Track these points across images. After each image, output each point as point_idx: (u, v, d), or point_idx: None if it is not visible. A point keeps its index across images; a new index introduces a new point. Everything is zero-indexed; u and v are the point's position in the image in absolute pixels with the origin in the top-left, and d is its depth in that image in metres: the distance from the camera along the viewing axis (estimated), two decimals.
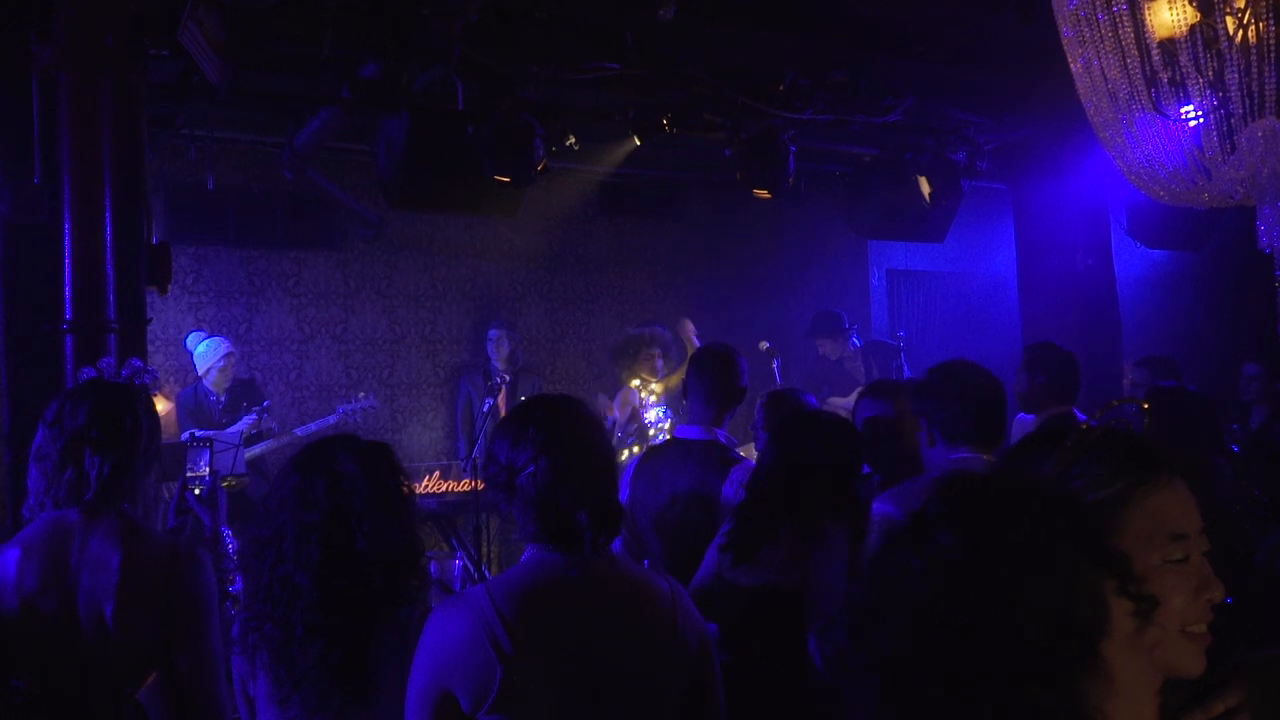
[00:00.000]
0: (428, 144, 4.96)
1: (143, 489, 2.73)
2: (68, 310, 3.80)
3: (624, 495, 3.36)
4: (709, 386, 3.58)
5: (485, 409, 7.63)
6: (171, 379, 7.59)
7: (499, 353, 7.70)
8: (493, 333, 7.79)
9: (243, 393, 7.07)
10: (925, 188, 6.26)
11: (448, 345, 8.42)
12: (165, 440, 6.91)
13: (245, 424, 6.83)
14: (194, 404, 6.88)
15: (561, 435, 2.11)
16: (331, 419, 7.17)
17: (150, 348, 7.61)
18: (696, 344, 7.18)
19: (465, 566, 3.73)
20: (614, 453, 2.35)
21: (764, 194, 5.69)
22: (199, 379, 7.01)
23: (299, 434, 6.97)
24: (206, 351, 6.99)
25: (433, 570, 2.56)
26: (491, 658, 1.95)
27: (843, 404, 8.12)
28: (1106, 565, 1.04)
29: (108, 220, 3.96)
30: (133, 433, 2.65)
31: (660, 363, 7.39)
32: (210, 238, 7.72)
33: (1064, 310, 7.27)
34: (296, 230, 7.97)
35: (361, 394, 7.40)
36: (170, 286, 4.44)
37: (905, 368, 7.11)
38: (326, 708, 2.20)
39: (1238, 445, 5.04)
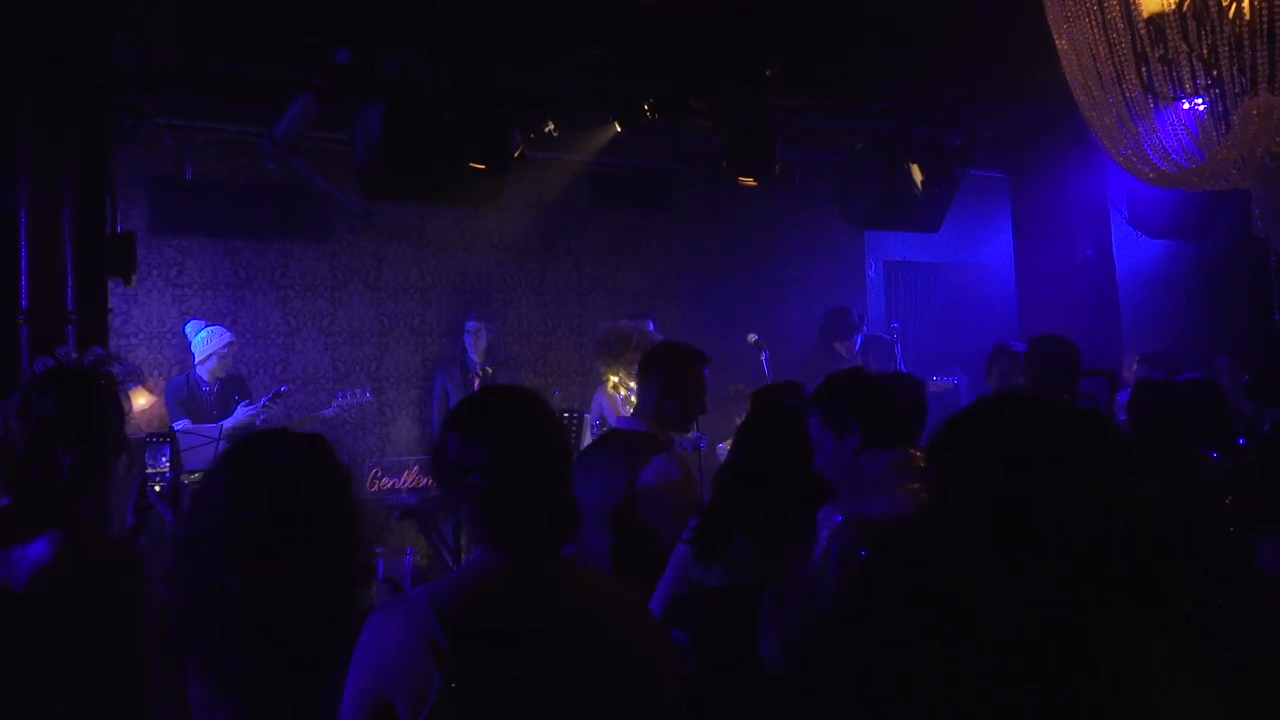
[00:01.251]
0: (404, 132, 4.84)
1: (114, 479, 2.66)
2: (24, 299, 3.69)
3: None
4: (654, 380, 3.53)
5: None
6: (155, 373, 7.49)
7: (477, 345, 7.57)
8: (470, 324, 7.65)
9: (233, 386, 6.97)
10: (917, 175, 6.12)
11: (437, 338, 8.30)
12: (140, 433, 6.83)
13: (249, 413, 6.73)
14: (185, 393, 6.77)
15: (515, 430, 2.01)
16: (327, 411, 7.08)
17: (133, 340, 7.56)
18: None
19: (414, 563, 3.61)
20: (571, 450, 2.23)
21: (750, 182, 5.56)
22: (192, 367, 6.89)
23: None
24: (208, 337, 6.88)
25: (379, 568, 2.44)
26: (429, 664, 1.85)
27: None
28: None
29: (66, 207, 3.85)
30: (103, 421, 2.56)
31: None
32: (195, 229, 7.60)
33: (1062, 301, 7.13)
34: (283, 222, 7.85)
35: (358, 389, 7.30)
36: (135, 277, 4.33)
37: (900, 361, 6.98)
38: (259, 718, 2.09)
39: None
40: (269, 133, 6.26)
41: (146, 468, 3.72)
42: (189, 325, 7.00)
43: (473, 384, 7.61)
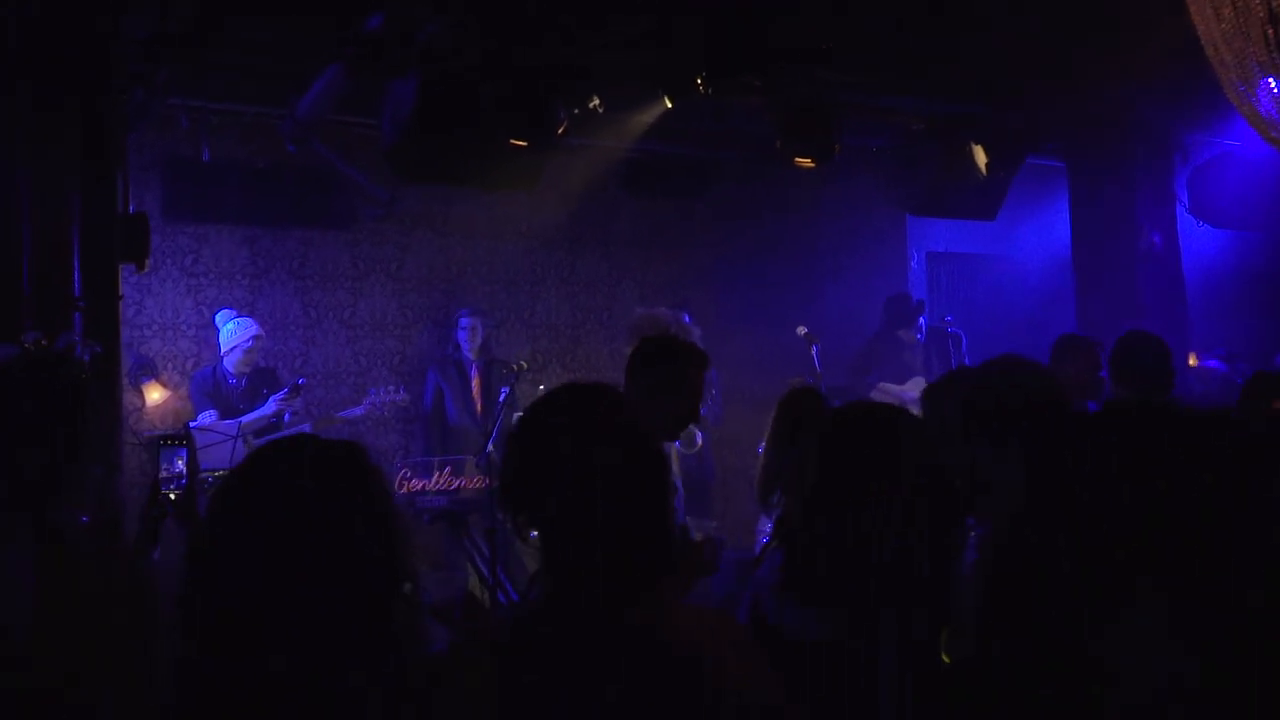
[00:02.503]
0: (438, 107, 4.46)
1: (91, 481, 2.31)
2: (25, 286, 3.33)
3: None
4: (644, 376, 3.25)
5: (501, 399, 7.15)
6: (170, 366, 7.15)
7: (472, 341, 7.21)
8: (464, 320, 7.28)
9: (262, 380, 6.62)
10: (981, 158, 5.72)
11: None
12: (155, 431, 6.49)
13: (264, 412, 6.41)
14: (211, 385, 6.42)
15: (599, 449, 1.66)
16: (357, 410, 6.74)
17: (146, 332, 7.22)
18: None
19: (469, 593, 3.20)
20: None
21: (806, 163, 5.17)
22: (219, 359, 6.55)
23: (305, 429, 6.51)
24: (235, 330, 6.55)
25: (426, 595, 2.06)
26: None
27: (896, 391, 7.62)
28: None
29: (74, 189, 3.49)
30: (76, 417, 2.23)
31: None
32: (210, 216, 7.26)
33: (1127, 293, 6.74)
34: (302, 208, 7.51)
35: (390, 385, 6.95)
36: (149, 263, 3.97)
37: (966, 354, 6.58)
38: None
39: None
40: (291, 113, 5.90)
41: (161, 471, 3.36)
42: (219, 314, 6.65)
43: (469, 382, 7.26)
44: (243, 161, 7.15)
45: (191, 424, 5.97)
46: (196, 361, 7.22)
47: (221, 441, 5.94)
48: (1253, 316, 8.01)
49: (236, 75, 5.37)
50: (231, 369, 6.46)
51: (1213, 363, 5.24)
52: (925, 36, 5.43)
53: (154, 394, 6.85)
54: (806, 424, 3.24)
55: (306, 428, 6.53)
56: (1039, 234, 8.95)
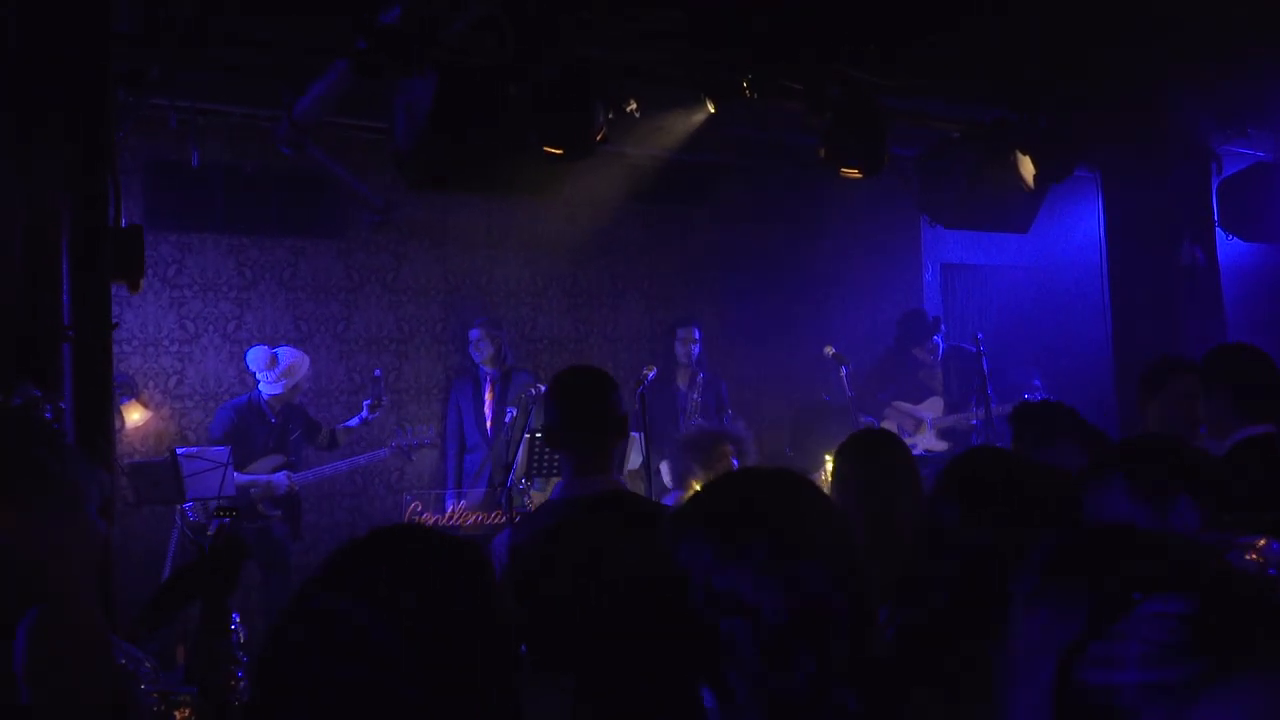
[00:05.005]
0: (459, 107, 4.06)
1: (77, 563, 1.95)
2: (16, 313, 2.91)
3: None
4: None
5: (507, 419, 6.75)
6: (151, 384, 6.69)
7: (482, 354, 6.87)
8: (474, 333, 6.94)
9: (293, 418, 6.20)
10: (1028, 168, 5.39)
11: (461, 345, 7.50)
12: (135, 457, 6.01)
13: (366, 413, 6.29)
14: (242, 421, 6.04)
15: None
16: (382, 453, 6.33)
17: (126, 348, 6.73)
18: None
19: None
20: None
21: (853, 173, 4.81)
22: (257, 392, 6.16)
23: (342, 467, 6.14)
24: (298, 364, 6.20)
25: None
26: None
27: (911, 410, 7.28)
28: None
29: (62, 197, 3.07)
30: (33, 475, 1.94)
31: (735, 461, 6.53)
32: (195, 223, 6.82)
33: (1164, 307, 6.44)
34: (293, 215, 7.08)
35: (420, 425, 6.56)
36: (143, 279, 3.56)
37: (988, 378, 6.25)
38: None
39: None
40: (287, 114, 5.48)
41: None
42: (256, 349, 6.20)
43: (483, 396, 6.88)
44: (230, 165, 6.71)
45: (179, 450, 5.51)
46: (180, 379, 6.76)
47: (210, 469, 5.51)
48: None
49: (230, 74, 4.93)
50: (272, 405, 6.06)
51: None
52: (960, 38, 5.12)
53: (134, 415, 6.38)
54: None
55: (329, 470, 6.15)
56: (1055, 245, 8.65)
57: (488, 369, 6.90)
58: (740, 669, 1.18)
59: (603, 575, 2.29)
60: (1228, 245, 7.63)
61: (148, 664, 2.17)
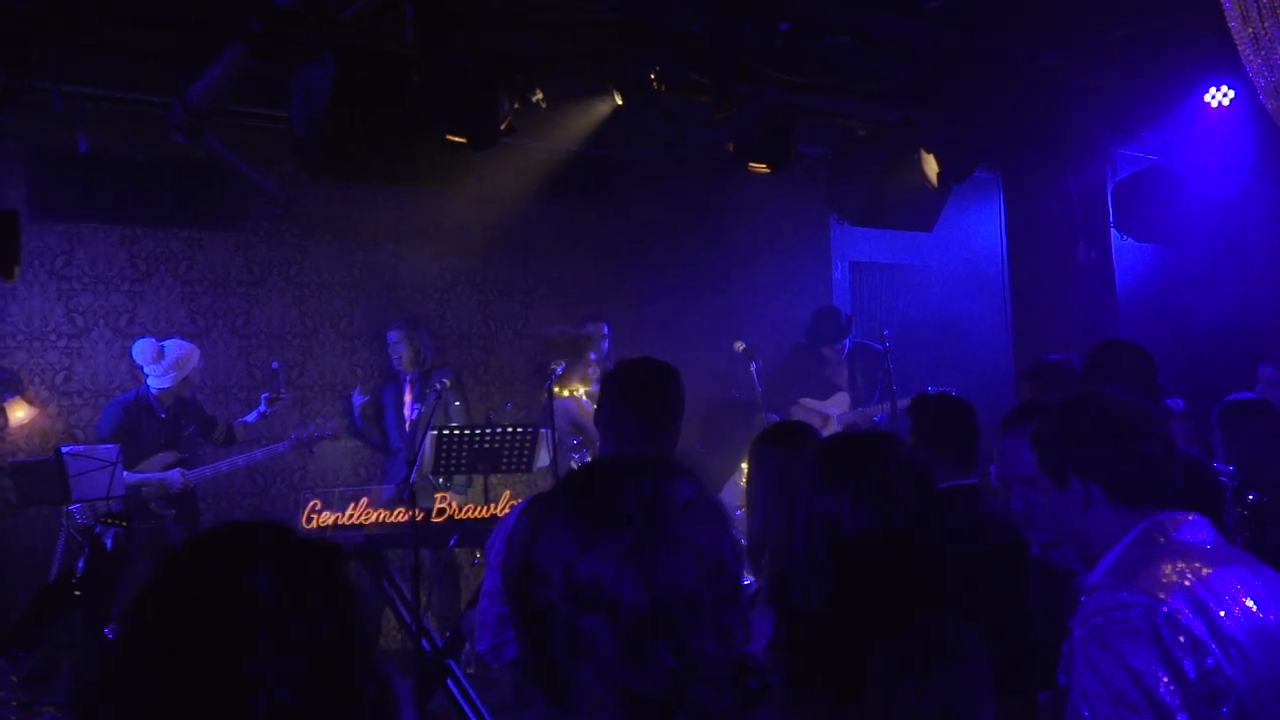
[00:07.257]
0: (358, 94, 3.95)
1: None
2: None
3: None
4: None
5: (410, 417, 6.65)
6: (36, 380, 6.40)
7: (400, 358, 6.74)
8: (391, 336, 6.82)
9: (185, 413, 6.00)
10: (933, 167, 5.47)
11: (368, 342, 7.35)
12: (21, 456, 5.76)
13: (264, 407, 6.17)
14: (129, 418, 5.84)
15: None
16: (281, 447, 6.16)
17: (10, 343, 6.42)
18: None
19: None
20: None
21: (761, 168, 4.83)
22: (145, 388, 5.94)
23: (239, 463, 5.98)
24: (187, 355, 5.97)
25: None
26: None
27: (818, 407, 7.34)
28: None
29: None
30: None
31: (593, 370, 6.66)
32: (84, 213, 6.54)
33: (1061, 306, 6.61)
34: (190, 206, 6.84)
35: (319, 418, 6.41)
36: (21, 268, 3.37)
37: (893, 374, 6.33)
38: None
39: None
40: (180, 100, 5.28)
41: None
42: (143, 341, 5.95)
43: (403, 400, 6.77)
44: (121, 154, 6.45)
45: (64, 449, 5.27)
46: (68, 375, 6.48)
47: (99, 468, 5.28)
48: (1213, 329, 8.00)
49: (121, 57, 4.73)
50: (159, 398, 5.86)
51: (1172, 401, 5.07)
52: (864, 38, 5.18)
53: (18, 412, 6.10)
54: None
55: (225, 465, 5.99)
56: (956, 244, 8.82)
57: (406, 372, 6.76)
58: (597, 667, 1.14)
59: None
60: (1121, 245, 7.88)
61: (14, 676, 2.04)
